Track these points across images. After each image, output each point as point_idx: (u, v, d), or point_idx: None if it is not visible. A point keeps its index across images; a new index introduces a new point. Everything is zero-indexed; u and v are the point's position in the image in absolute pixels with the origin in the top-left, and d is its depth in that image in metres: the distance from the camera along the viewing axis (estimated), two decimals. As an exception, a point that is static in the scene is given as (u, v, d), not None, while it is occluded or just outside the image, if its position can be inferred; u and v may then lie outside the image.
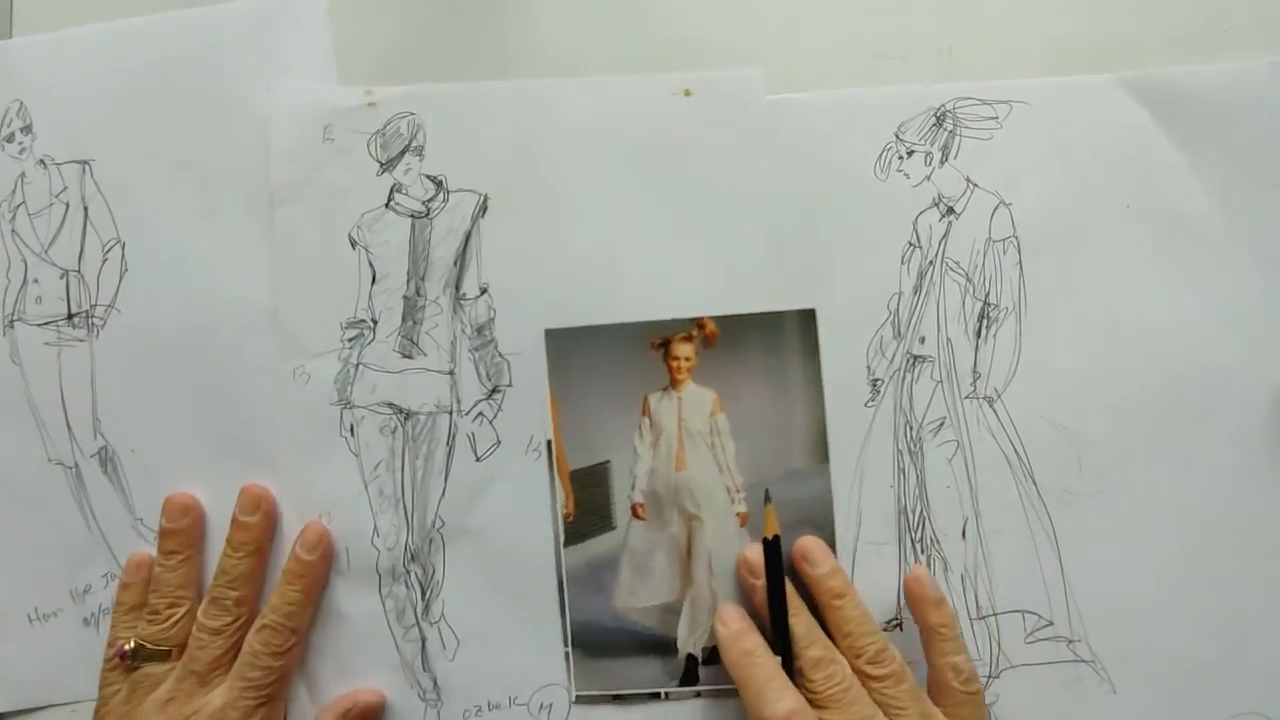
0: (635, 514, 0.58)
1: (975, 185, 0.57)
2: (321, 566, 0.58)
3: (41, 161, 0.62)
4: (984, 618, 0.57)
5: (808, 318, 0.57)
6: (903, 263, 0.57)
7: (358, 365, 0.60)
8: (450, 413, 0.59)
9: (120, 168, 0.62)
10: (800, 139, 0.57)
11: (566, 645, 0.58)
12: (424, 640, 0.59)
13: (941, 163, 0.57)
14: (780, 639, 0.53)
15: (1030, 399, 0.56)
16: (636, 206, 0.58)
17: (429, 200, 0.59)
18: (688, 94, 0.58)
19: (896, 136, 0.57)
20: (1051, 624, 0.56)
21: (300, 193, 0.60)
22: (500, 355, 0.59)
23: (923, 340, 0.57)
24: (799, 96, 0.58)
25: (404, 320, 0.60)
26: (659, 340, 0.57)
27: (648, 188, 0.58)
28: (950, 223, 0.57)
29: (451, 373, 0.59)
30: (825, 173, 0.57)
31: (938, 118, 0.57)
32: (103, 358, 0.62)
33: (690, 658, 0.57)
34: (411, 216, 0.59)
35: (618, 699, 0.58)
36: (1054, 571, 0.56)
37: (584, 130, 0.58)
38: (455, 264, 0.59)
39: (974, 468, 0.57)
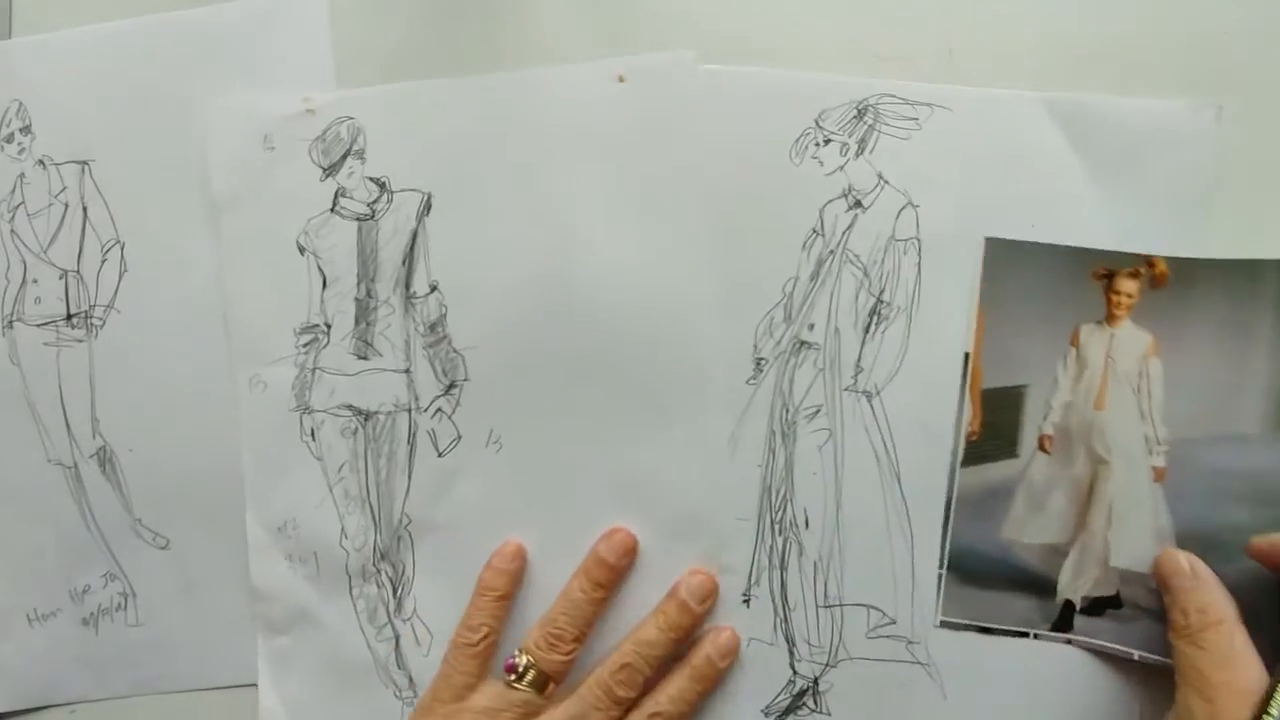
0: (1042, 446, 0.56)
1: (886, 182, 0.57)
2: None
3: (41, 162, 0.62)
4: (830, 607, 0.57)
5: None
6: (804, 248, 0.57)
7: (314, 370, 0.61)
8: (409, 410, 0.60)
9: (120, 168, 0.62)
10: (728, 111, 0.57)
11: (941, 567, 0.57)
12: (398, 638, 0.61)
13: (856, 155, 0.57)
14: None
15: (908, 400, 0.56)
16: (578, 194, 0.58)
17: (373, 202, 0.60)
18: (621, 79, 0.58)
19: (816, 123, 0.57)
20: (894, 622, 0.57)
21: (244, 203, 0.61)
22: (455, 350, 0.60)
23: (811, 327, 0.57)
24: (731, 69, 0.57)
25: (357, 322, 0.60)
26: (1103, 271, 0.55)
27: (589, 174, 0.58)
28: (856, 216, 0.57)
29: (408, 371, 0.60)
30: (744, 147, 0.57)
31: (859, 111, 0.57)
32: (102, 358, 0.62)
33: (1068, 604, 0.56)
34: (357, 219, 0.60)
35: (984, 630, 0.57)
36: (905, 572, 0.57)
37: (522, 122, 0.59)
38: (404, 263, 0.60)
39: (843, 459, 0.57)
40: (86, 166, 0.62)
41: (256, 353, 0.61)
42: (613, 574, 0.57)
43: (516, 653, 0.56)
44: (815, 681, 0.58)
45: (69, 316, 0.62)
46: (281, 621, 0.62)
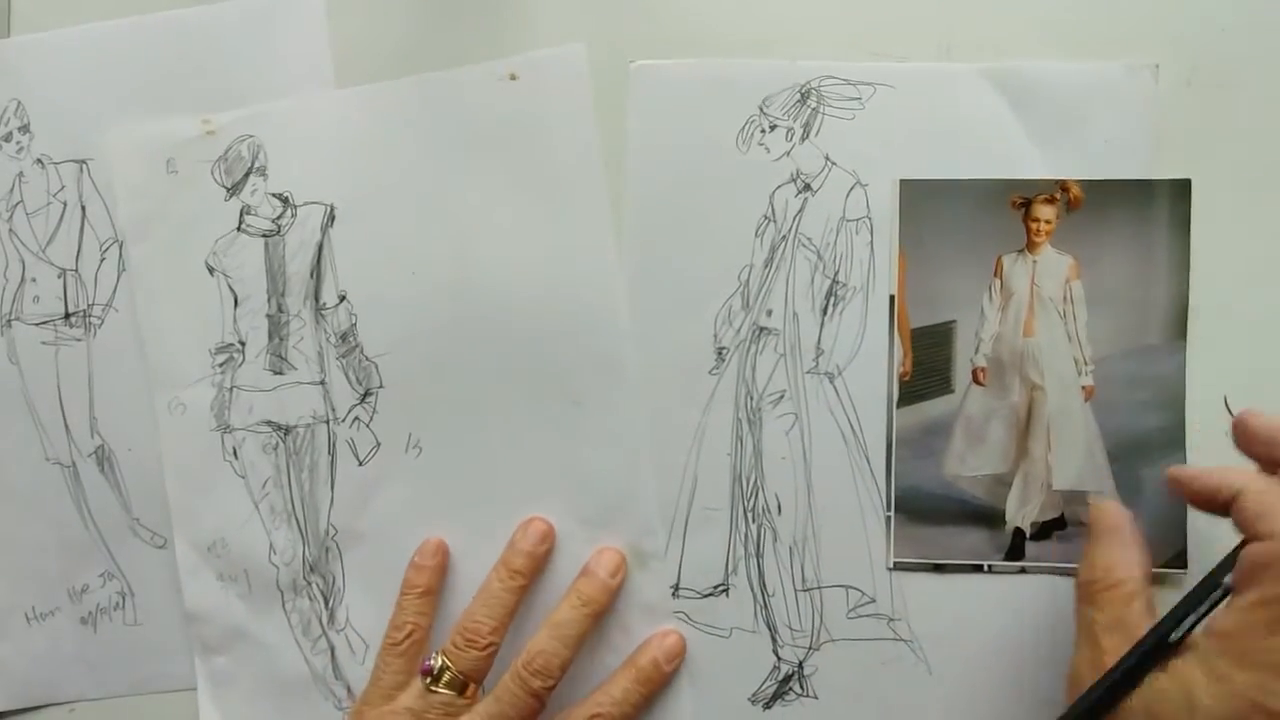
0: (975, 379, 0.57)
1: (834, 164, 0.57)
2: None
3: (39, 161, 0.62)
4: (809, 590, 0.58)
5: (1183, 188, 0.55)
6: (756, 235, 0.57)
7: (231, 388, 0.60)
8: (327, 422, 0.60)
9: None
10: (667, 105, 0.58)
11: (889, 509, 0.57)
12: (333, 649, 0.61)
13: (803, 139, 0.57)
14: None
15: (870, 378, 0.57)
16: (477, 195, 0.58)
17: (278, 218, 0.60)
18: (513, 78, 0.58)
19: (761, 110, 0.57)
20: (874, 601, 0.57)
21: (151, 228, 0.61)
22: (367, 359, 0.60)
23: (769, 313, 0.58)
24: (668, 63, 0.58)
25: (270, 338, 0.60)
26: (1020, 199, 0.56)
27: (487, 175, 0.58)
28: (806, 199, 0.57)
29: (323, 383, 0.60)
30: (687, 139, 0.57)
31: (803, 94, 0.57)
32: (100, 357, 0.62)
33: (1018, 531, 0.57)
34: (264, 236, 0.60)
35: (937, 568, 0.57)
36: (880, 550, 0.57)
37: (419, 127, 0.59)
38: (311, 276, 0.60)
39: (810, 442, 0.58)
40: (85, 165, 0.62)
41: (173, 376, 0.61)
42: (531, 561, 0.57)
43: (433, 654, 0.55)
44: (800, 666, 0.58)
45: (67, 315, 0.62)
46: (217, 641, 0.61)
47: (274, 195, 0.60)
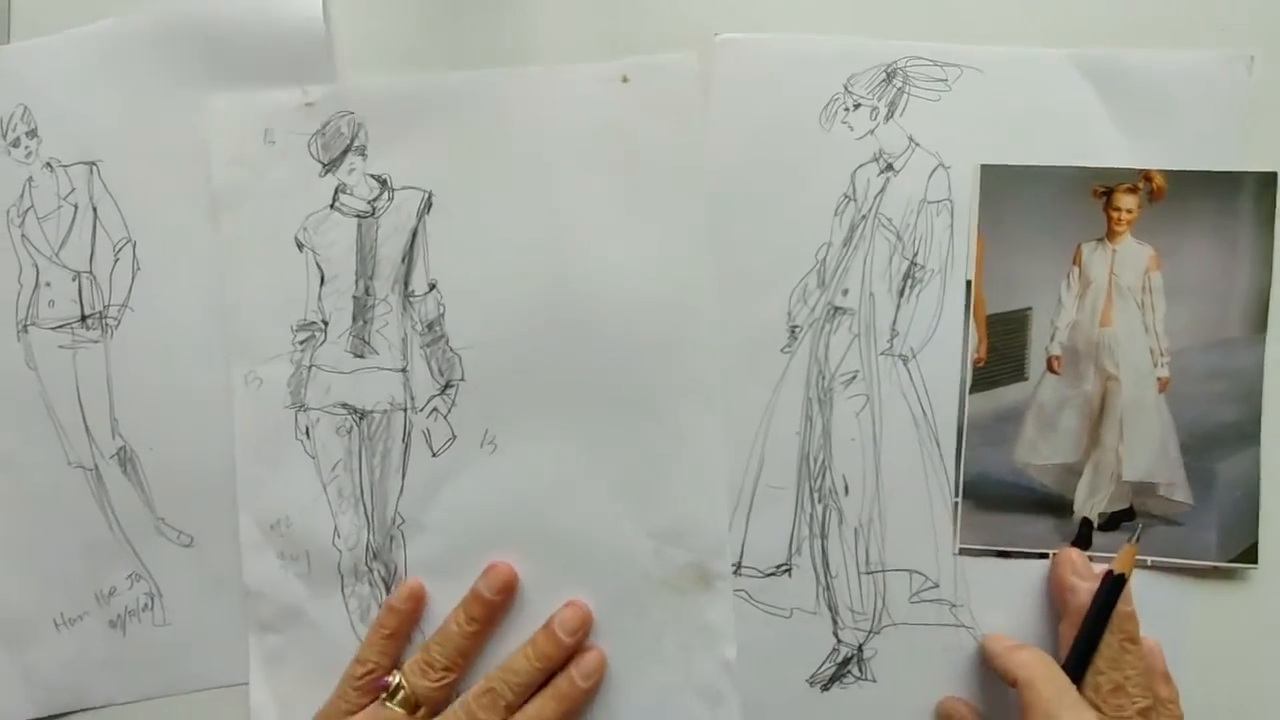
0: (1050, 367, 0.57)
1: (917, 145, 0.57)
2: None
3: (48, 164, 0.61)
4: (872, 573, 0.58)
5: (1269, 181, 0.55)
6: (836, 214, 0.57)
7: (310, 367, 0.60)
8: (405, 410, 0.59)
9: (128, 167, 0.61)
10: (751, 79, 0.57)
11: (956, 495, 0.57)
12: None
13: (886, 119, 0.57)
14: (1077, 663, 0.52)
15: (944, 363, 0.57)
16: (580, 195, 0.58)
17: (374, 200, 0.59)
18: (625, 80, 0.57)
19: (845, 88, 0.57)
20: (937, 586, 0.57)
21: (244, 197, 0.60)
22: (451, 350, 0.59)
23: (845, 293, 0.57)
24: (752, 37, 0.57)
25: (354, 320, 0.59)
26: (1102, 188, 0.56)
27: (590, 175, 0.58)
28: (888, 179, 0.57)
29: (404, 370, 0.59)
30: (770, 115, 0.57)
31: (888, 74, 0.57)
32: (118, 357, 0.61)
33: (1085, 521, 0.57)
34: (357, 216, 0.59)
35: (1003, 555, 0.57)
36: (946, 535, 0.57)
37: (525, 122, 0.58)
38: (403, 261, 0.59)
39: (880, 424, 0.57)
40: (94, 167, 0.61)
41: (252, 349, 0.60)
42: (488, 609, 0.57)
43: (394, 671, 0.56)
44: (859, 649, 0.58)
45: (83, 318, 0.61)
46: (273, 620, 0.61)
47: (372, 176, 0.59)
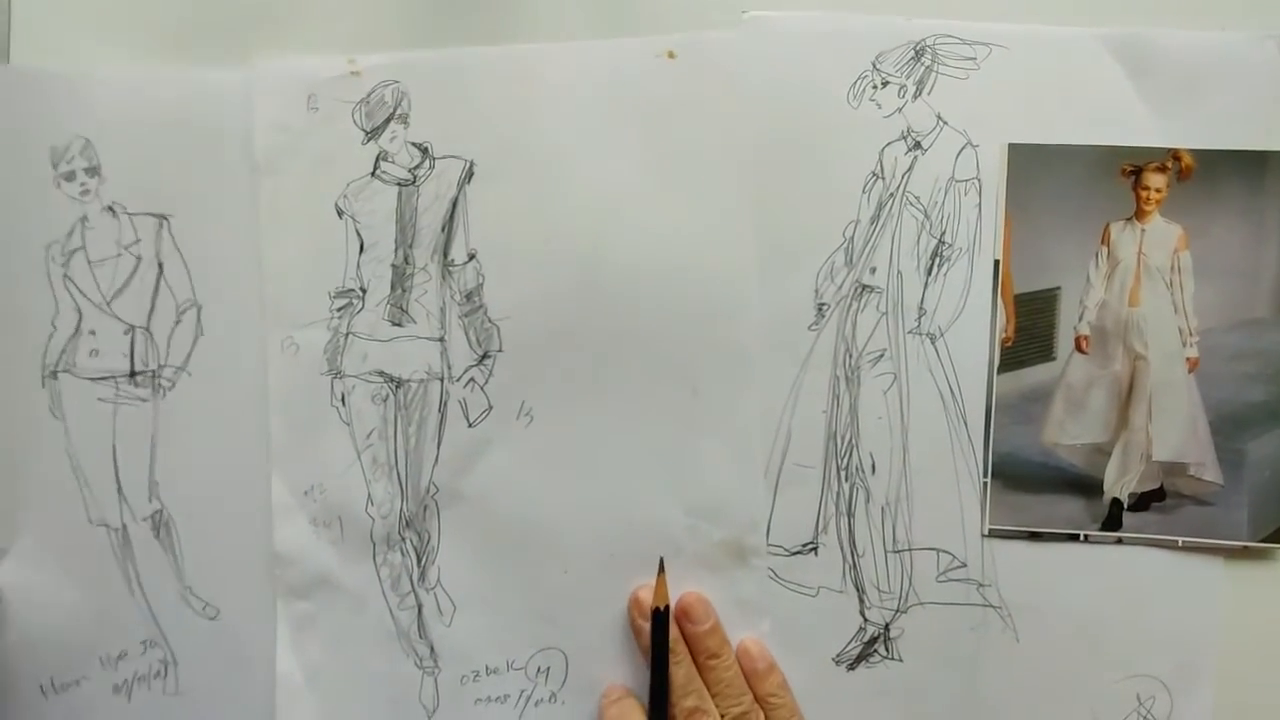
0: (1078, 346, 0.57)
1: (945, 123, 0.57)
2: None
3: (110, 208, 0.59)
4: (899, 552, 0.57)
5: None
6: (864, 192, 0.57)
7: (347, 334, 0.60)
8: (441, 379, 0.59)
9: (200, 227, 0.59)
10: (778, 56, 0.57)
11: (985, 475, 0.57)
12: (420, 607, 0.60)
13: (915, 97, 0.57)
14: (657, 698, 0.54)
15: (972, 342, 0.57)
16: (622, 168, 0.58)
17: (415, 168, 0.59)
18: (671, 55, 0.57)
19: (874, 66, 0.57)
20: (965, 566, 0.57)
21: (285, 162, 0.59)
22: (490, 321, 0.59)
23: (873, 271, 0.57)
24: (781, 14, 0.57)
25: (393, 288, 0.59)
26: (1130, 167, 0.55)
27: (632, 149, 0.58)
28: (916, 157, 0.57)
29: (442, 339, 0.59)
30: (798, 93, 0.57)
31: (917, 52, 0.56)
32: (167, 419, 0.59)
33: (1116, 502, 0.57)
34: (398, 184, 0.59)
35: (1032, 536, 0.57)
36: (974, 515, 0.57)
37: (568, 94, 0.58)
38: (443, 230, 0.59)
39: (908, 403, 0.57)
40: (165, 221, 0.59)
41: (290, 314, 0.60)
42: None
43: None
44: (886, 628, 0.58)
45: (133, 374, 0.59)
46: (303, 586, 0.60)
47: (413, 144, 0.59)
